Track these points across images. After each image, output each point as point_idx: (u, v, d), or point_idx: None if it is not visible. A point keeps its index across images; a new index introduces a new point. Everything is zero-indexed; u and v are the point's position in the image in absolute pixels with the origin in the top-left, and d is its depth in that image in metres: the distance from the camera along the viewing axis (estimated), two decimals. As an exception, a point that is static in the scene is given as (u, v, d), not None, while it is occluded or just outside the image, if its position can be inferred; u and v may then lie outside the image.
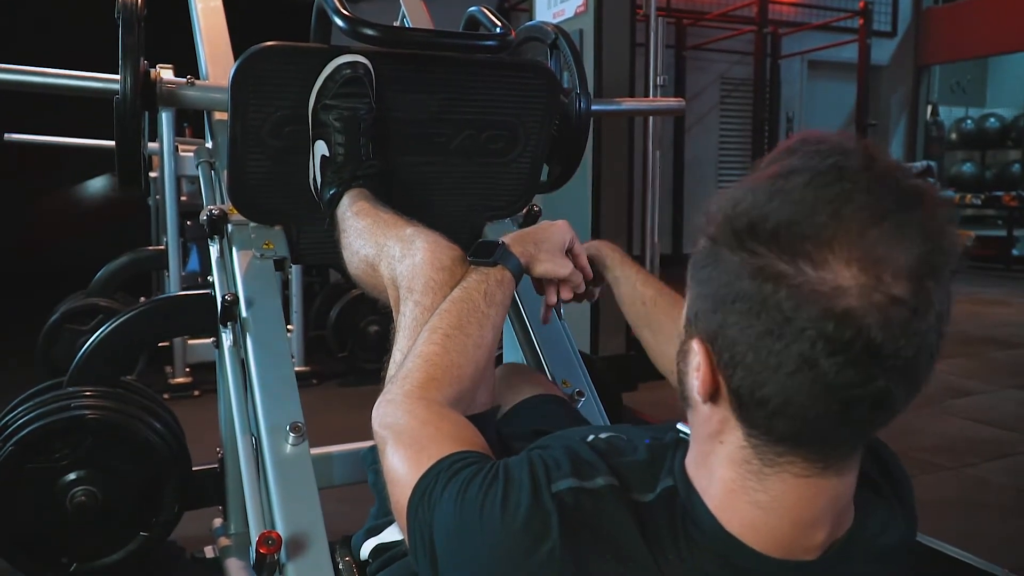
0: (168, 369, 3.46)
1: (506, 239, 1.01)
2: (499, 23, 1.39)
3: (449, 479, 0.71)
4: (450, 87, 1.42)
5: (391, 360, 1.00)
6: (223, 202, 1.46)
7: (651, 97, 2.55)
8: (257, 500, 1.17)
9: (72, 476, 1.65)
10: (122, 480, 1.68)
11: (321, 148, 1.32)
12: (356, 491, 1.70)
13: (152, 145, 3.20)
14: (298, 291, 3.52)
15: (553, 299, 1.07)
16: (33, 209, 6.86)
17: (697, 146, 7.86)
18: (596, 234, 3.06)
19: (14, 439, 1.60)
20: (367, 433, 0.88)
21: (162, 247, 3.27)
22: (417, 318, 0.97)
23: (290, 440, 1.18)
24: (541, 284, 1.08)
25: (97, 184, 7.31)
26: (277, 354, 1.28)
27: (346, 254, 1.19)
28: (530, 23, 1.83)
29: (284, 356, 1.29)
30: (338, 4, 1.27)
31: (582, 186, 3.04)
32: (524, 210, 1.65)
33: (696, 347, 0.62)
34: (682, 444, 0.70)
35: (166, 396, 3.37)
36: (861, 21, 6.74)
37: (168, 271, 3.13)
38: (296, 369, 3.59)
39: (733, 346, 0.58)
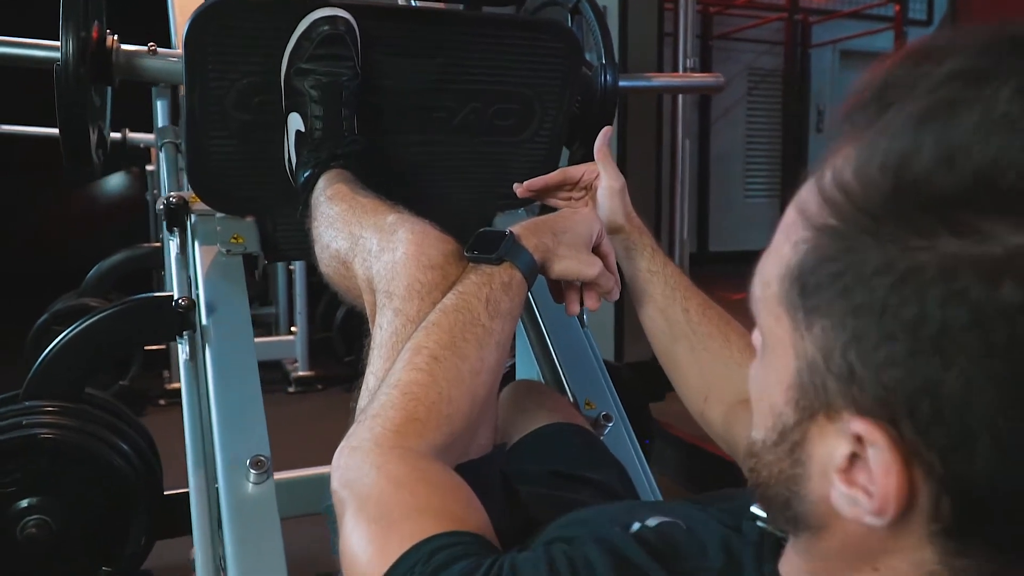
0: (165, 374, 3.27)
1: (516, 229, 0.77)
2: (507, -28, 1.16)
3: None
4: (451, 50, 1.19)
5: (363, 387, 0.77)
6: (187, 189, 1.24)
7: (684, 73, 2.31)
8: (209, 551, 0.96)
9: (23, 504, 1.44)
10: (81, 508, 1.47)
11: (296, 122, 1.10)
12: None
13: (148, 136, 3.02)
14: (303, 291, 3.31)
15: (576, 308, 0.83)
16: (42, 206, 6.71)
17: (723, 140, 7.58)
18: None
19: (-43, 462, 1.40)
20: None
21: (159, 244, 3.08)
22: (397, 332, 0.74)
23: (251, 477, 0.96)
24: (559, 288, 0.84)
25: (113, 181, 7.15)
26: (241, 371, 1.06)
27: (316, 248, 0.96)
28: (549, -14, 1.59)
29: (250, 373, 1.06)
30: (313, -54, 1.05)
31: None
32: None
33: (865, 432, 0.37)
34: (768, 539, 0.47)
35: (162, 402, 3.18)
36: (897, 8, 6.44)
37: (165, 269, 2.94)
38: (301, 374, 3.41)
39: (958, 415, 0.34)
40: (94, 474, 1.46)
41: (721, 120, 7.57)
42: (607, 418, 1.17)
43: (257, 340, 2.24)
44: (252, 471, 0.96)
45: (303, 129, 1.09)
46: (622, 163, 2.74)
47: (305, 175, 1.07)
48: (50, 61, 1.17)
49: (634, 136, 2.78)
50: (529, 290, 0.76)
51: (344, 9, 1.08)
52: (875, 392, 0.36)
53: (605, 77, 1.47)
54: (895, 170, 0.35)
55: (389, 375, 0.66)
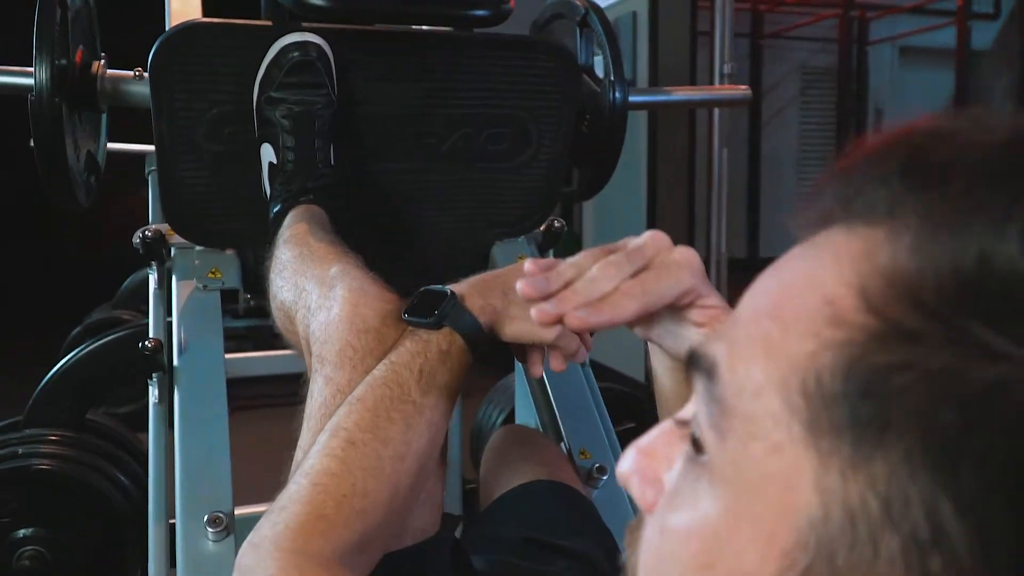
0: None
1: (462, 287, 0.69)
2: (497, -10, 1.08)
3: None
4: (437, 74, 1.12)
5: (293, 460, 0.70)
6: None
7: (710, 86, 2.20)
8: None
9: (18, 534, 1.41)
10: (76, 540, 1.44)
11: (268, 153, 1.04)
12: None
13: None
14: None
15: (538, 371, 0.74)
16: (82, 216, 6.83)
17: (775, 142, 7.36)
18: (652, 207, 2.70)
19: (-50, 493, 1.38)
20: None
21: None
22: (326, 403, 0.67)
23: (209, 535, 0.91)
24: (521, 349, 0.76)
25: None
26: (209, 419, 1.01)
27: (269, 295, 0.89)
28: (558, -2, 1.51)
29: (218, 422, 1.01)
30: (280, -33, 0.99)
31: (635, 185, 2.70)
32: (543, 226, 1.35)
33: None
34: None
35: None
36: (960, 2, 6.16)
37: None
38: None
39: None
40: (90, 506, 1.43)
41: (774, 121, 7.35)
42: (601, 471, 1.08)
43: (273, 353, 2.21)
44: (210, 528, 0.91)
45: (275, 161, 1.03)
46: (652, 172, 2.64)
47: (274, 210, 1.01)
48: (27, 88, 1.13)
49: (666, 144, 2.68)
50: (475, 355, 0.68)
51: (317, 33, 1.02)
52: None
53: (613, 95, 1.38)
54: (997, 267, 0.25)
55: (305, 459, 0.59)
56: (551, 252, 1.37)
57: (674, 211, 2.71)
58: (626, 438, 1.79)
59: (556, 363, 0.72)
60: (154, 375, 1.06)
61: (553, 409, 1.18)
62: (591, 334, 0.77)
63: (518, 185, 1.26)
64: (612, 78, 1.38)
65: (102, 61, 1.24)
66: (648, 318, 0.59)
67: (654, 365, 0.68)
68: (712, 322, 0.58)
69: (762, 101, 7.18)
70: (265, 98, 1.02)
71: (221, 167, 1.09)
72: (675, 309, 0.59)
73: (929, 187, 0.28)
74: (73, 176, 1.17)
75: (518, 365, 1.26)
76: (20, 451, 1.43)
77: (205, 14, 1.42)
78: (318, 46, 1.01)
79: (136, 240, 1.14)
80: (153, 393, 1.06)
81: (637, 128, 2.71)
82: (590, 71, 1.42)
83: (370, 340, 0.67)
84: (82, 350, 1.57)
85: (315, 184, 1.00)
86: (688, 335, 0.59)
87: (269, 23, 1.04)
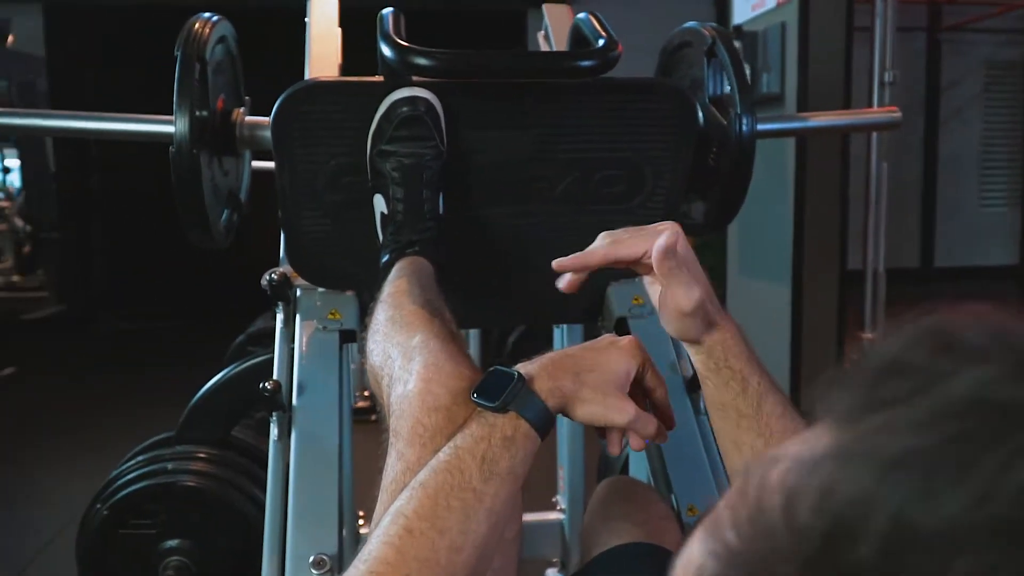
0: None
1: (532, 368, 0.68)
2: (603, 33, 1.06)
3: None
4: (547, 120, 1.11)
5: (369, 531, 0.72)
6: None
7: (852, 110, 2.04)
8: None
9: (166, 545, 1.54)
10: (218, 553, 1.55)
11: (380, 203, 1.07)
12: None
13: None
14: (475, 333, 3.34)
15: (616, 449, 0.73)
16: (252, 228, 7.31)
17: (954, 142, 6.81)
18: (799, 248, 2.56)
19: (109, 502, 1.52)
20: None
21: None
22: (396, 479, 0.68)
23: (313, 572, 0.95)
24: (600, 427, 0.74)
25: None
26: (321, 461, 1.05)
27: (365, 354, 0.91)
28: (685, 25, 1.46)
29: (329, 464, 1.05)
30: (391, 27, 1.01)
31: (781, 195, 2.57)
32: (661, 266, 1.31)
33: None
34: None
35: (373, 417, 3.32)
36: None
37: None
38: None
39: None
40: (231, 522, 1.53)
41: (953, 120, 6.81)
42: (708, 530, 1.03)
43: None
44: (314, 570, 0.94)
45: (386, 211, 1.06)
46: (800, 183, 2.51)
47: (383, 260, 1.04)
48: (169, 136, 1.21)
49: (815, 155, 2.53)
50: (544, 438, 0.67)
51: (427, 86, 1.03)
52: None
53: (740, 126, 1.32)
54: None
55: (367, 541, 0.60)
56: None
57: (825, 222, 2.55)
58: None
59: (635, 443, 0.70)
60: (274, 414, 1.11)
61: (663, 458, 1.14)
62: (669, 409, 0.74)
63: (635, 224, 1.22)
64: (739, 110, 1.32)
65: (242, 108, 1.32)
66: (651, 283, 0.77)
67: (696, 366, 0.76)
68: (655, 282, 0.76)
69: (940, 100, 6.68)
70: (377, 151, 1.05)
71: (340, 215, 1.14)
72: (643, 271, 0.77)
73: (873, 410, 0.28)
74: (212, 219, 1.25)
75: None
76: (169, 467, 1.56)
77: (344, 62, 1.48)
78: (426, 100, 1.02)
79: (264, 282, 1.20)
80: (273, 431, 1.12)
81: (785, 140, 2.58)
82: (718, 101, 1.36)
83: (440, 419, 0.68)
84: (230, 371, 1.69)
85: (420, 236, 1.02)
86: (661, 300, 0.74)
87: (381, 79, 1.07)
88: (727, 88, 1.36)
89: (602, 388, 0.67)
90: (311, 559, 0.95)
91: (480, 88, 1.06)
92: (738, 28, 2.67)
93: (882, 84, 2.68)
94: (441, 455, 0.63)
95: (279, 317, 1.23)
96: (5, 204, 6.95)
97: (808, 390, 2.57)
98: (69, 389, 4.19)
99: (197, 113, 1.16)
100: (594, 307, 1.30)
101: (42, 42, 5.52)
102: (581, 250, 1.23)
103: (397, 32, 1.02)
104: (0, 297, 6.68)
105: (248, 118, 1.31)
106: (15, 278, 6.93)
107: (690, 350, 0.76)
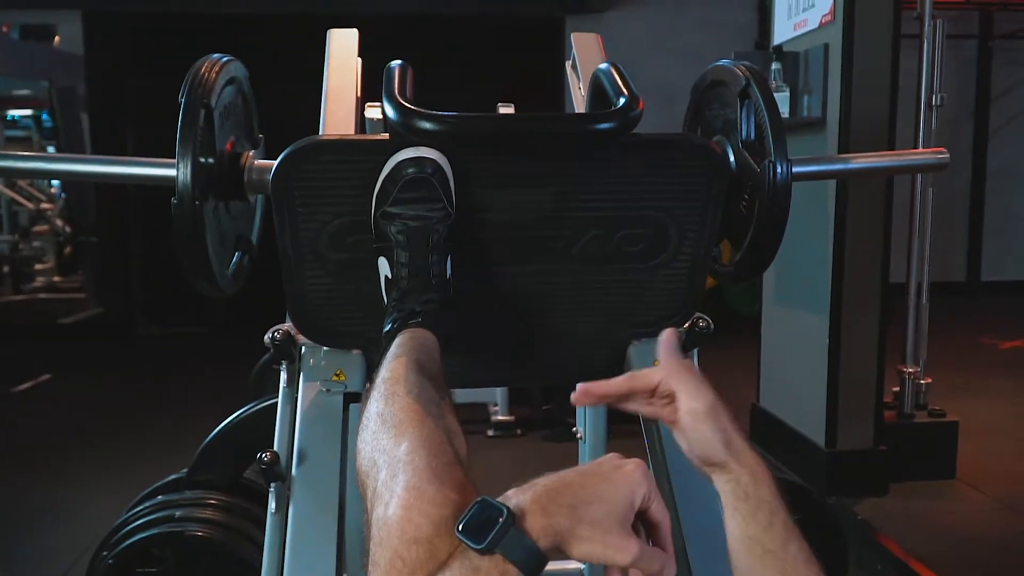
0: (492, 407, 3.44)
1: (523, 500, 0.61)
2: (624, 90, 0.99)
3: None
4: (564, 178, 1.05)
5: None
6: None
7: (896, 151, 1.93)
8: None
9: (173, 595, 1.50)
10: (226, 603, 1.50)
11: (384, 267, 1.02)
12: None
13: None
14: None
15: None
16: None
17: (1006, 153, 6.59)
18: (839, 267, 2.43)
19: (117, 549, 1.49)
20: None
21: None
22: None
23: (307, 669, 0.89)
24: None
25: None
26: (318, 540, 0.99)
27: (355, 448, 0.85)
28: (718, 63, 1.38)
29: (326, 544, 0.99)
30: (396, 85, 0.95)
31: (821, 214, 2.46)
32: (686, 324, 1.23)
33: None
34: None
35: (489, 433, 3.34)
36: None
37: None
38: (500, 418, 3.40)
39: None
40: (238, 571, 1.49)
41: (1004, 129, 6.59)
42: (730, 625, 0.96)
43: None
44: (305, 664, 0.89)
45: (390, 276, 1.00)
46: (842, 198, 2.38)
47: (386, 329, 0.98)
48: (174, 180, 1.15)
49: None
50: None
51: (434, 146, 0.97)
52: None
53: (774, 172, 1.24)
54: None
55: None
56: (695, 352, 1.25)
57: (866, 236, 2.41)
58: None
59: None
60: (272, 484, 1.06)
61: (681, 533, 1.07)
62: (671, 546, 0.67)
63: (657, 285, 1.15)
64: (773, 157, 1.24)
65: (252, 152, 1.27)
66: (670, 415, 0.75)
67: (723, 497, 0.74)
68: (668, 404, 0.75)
69: (990, 109, 6.45)
70: (381, 213, 0.99)
71: (344, 273, 1.08)
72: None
73: None
74: (218, 268, 1.20)
75: (650, 460, 1.16)
76: (177, 514, 1.52)
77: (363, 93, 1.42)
78: (433, 161, 0.96)
79: (267, 340, 1.15)
80: (272, 504, 1.06)
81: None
82: (751, 145, 1.28)
83: (420, 553, 0.61)
84: (241, 414, 1.64)
85: (425, 308, 0.96)
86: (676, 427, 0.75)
87: (386, 137, 1.01)
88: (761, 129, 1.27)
89: (602, 524, 0.60)
90: (302, 654, 0.90)
91: (490, 145, 1.00)
92: (779, 48, 2.57)
93: (929, 107, 2.56)
94: None
95: (282, 377, 1.18)
96: (48, 206, 7.06)
97: (845, 425, 2.47)
98: (103, 398, 4.21)
99: (202, 160, 1.10)
100: (615, 366, 1.23)
101: (81, 45, 5.59)
102: (601, 307, 1.17)
103: (403, 90, 0.96)
104: (40, 298, 6.80)
105: (258, 162, 1.25)
106: (56, 279, 7.05)
107: (717, 479, 0.73)
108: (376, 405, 0.81)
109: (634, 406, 0.80)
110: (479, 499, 0.61)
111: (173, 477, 1.66)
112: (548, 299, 1.15)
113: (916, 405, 2.62)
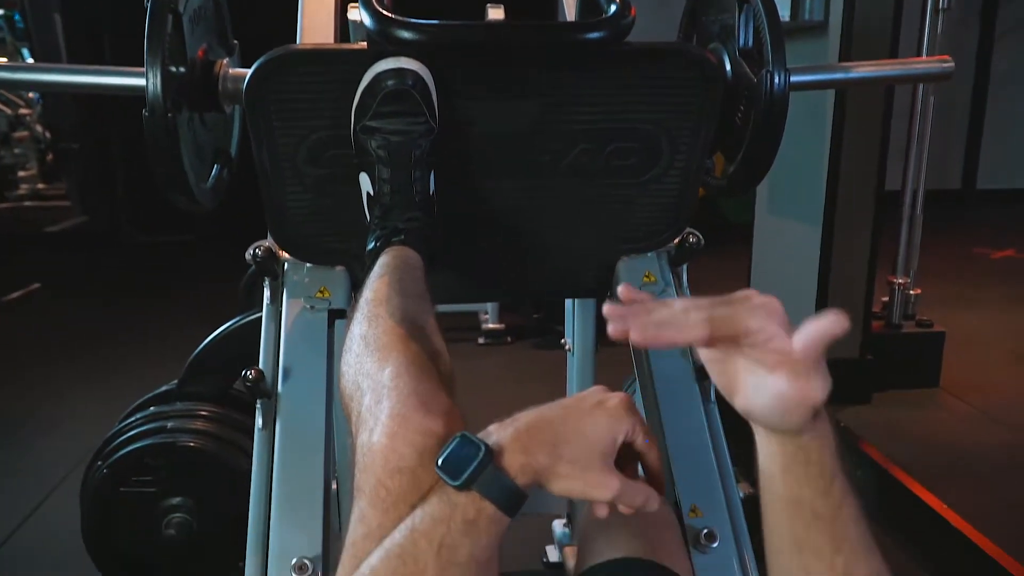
0: (483, 316, 3.43)
1: (503, 438, 0.60)
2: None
3: None
4: (553, 90, 1.01)
5: None
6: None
7: (897, 59, 1.86)
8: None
9: (167, 503, 1.53)
10: (219, 510, 1.53)
11: (365, 183, 0.99)
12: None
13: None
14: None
15: (603, 512, 0.65)
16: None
17: (1011, 58, 6.41)
18: (835, 172, 2.38)
19: (109, 460, 1.51)
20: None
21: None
22: (355, 543, 0.61)
23: (295, 576, 0.91)
24: None
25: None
26: (306, 456, 1.00)
27: (340, 370, 0.84)
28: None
29: (314, 459, 1.00)
30: (375, -9, 0.90)
31: (819, 116, 2.40)
32: (675, 240, 1.21)
33: None
34: None
35: (479, 341, 3.35)
36: None
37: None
38: (491, 326, 3.42)
39: None
40: (231, 481, 1.51)
41: (1012, 35, 6.39)
42: (710, 537, 0.98)
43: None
44: (294, 574, 0.91)
45: (372, 192, 0.98)
46: (840, 103, 2.32)
47: (369, 247, 0.96)
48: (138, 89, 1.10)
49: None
50: (514, 516, 0.60)
51: (415, 57, 0.93)
52: None
53: (772, 82, 1.19)
54: None
55: None
56: (684, 268, 1.24)
57: (863, 144, 2.35)
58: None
59: (623, 508, 0.63)
60: (259, 401, 1.06)
61: (668, 452, 1.08)
62: (662, 475, 0.67)
63: (647, 200, 1.13)
64: (771, 67, 1.19)
65: (227, 60, 1.22)
66: (722, 357, 0.60)
67: (760, 458, 0.63)
68: (778, 367, 0.58)
69: (998, 9, 6.25)
70: (361, 127, 0.95)
71: (324, 189, 1.05)
72: (746, 350, 0.59)
73: None
74: (196, 182, 1.16)
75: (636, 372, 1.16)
76: (169, 425, 1.53)
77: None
78: (415, 73, 0.92)
79: (248, 256, 1.13)
80: (258, 419, 1.06)
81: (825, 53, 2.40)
82: (748, 53, 1.24)
83: (404, 482, 0.61)
84: (230, 326, 1.64)
85: (407, 225, 0.94)
86: (764, 385, 0.58)
87: (365, 46, 0.96)
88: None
89: (582, 462, 0.60)
90: (293, 562, 0.91)
91: (475, 54, 0.95)
92: (779, -54, 2.45)
93: (936, 11, 2.48)
94: (396, 537, 0.57)
95: (266, 294, 1.16)
96: (26, 111, 6.89)
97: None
98: (92, 306, 4.21)
99: (172, 69, 1.05)
100: (604, 282, 1.21)
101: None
102: (590, 223, 1.15)
103: None
104: (26, 206, 6.71)
105: (233, 70, 1.20)
106: (40, 186, 6.95)
107: (773, 439, 0.61)
108: (360, 327, 0.80)
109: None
110: (459, 435, 0.60)
111: (164, 388, 1.67)
112: (535, 215, 1.12)
113: (904, 315, 2.63)
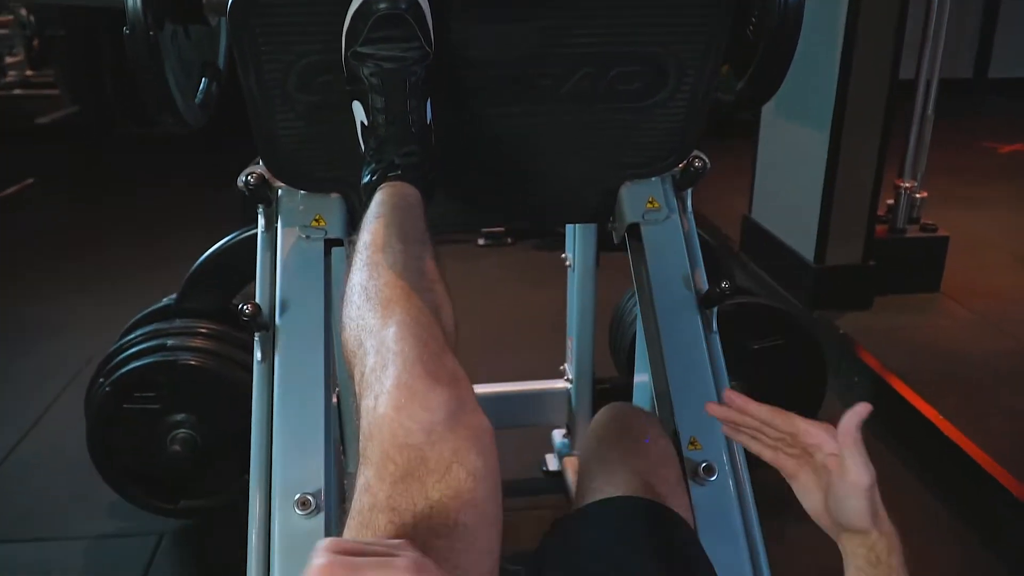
0: None
1: None
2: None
3: None
4: (553, 11, 0.95)
5: None
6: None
7: None
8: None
9: (170, 419, 1.54)
10: (220, 425, 1.55)
11: (359, 112, 0.94)
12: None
13: None
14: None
15: None
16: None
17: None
18: (848, 57, 2.30)
19: (112, 378, 1.51)
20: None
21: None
22: (362, 512, 0.61)
23: (299, 515, 0.92)
24: None
25: None
26: (306, 389, 0.99)
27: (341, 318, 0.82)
28: None
29: (314, 392, 0.99)
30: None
31: (832, 9, 2.29)
32: (681, 164, 1.17)
33: None
34: None
35: (480, 242, 3.34)
36: None
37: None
38: (490, 229, 3.38)
39: None
40: (231, 397, 1.52)
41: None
42: (709, 470, 0.99)
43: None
44: (298, 510, 0.92)
45: (366, 122, 0.93)
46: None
47: (364, 180, 0.93)
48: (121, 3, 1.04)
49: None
50: None
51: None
52: None
53: (786, -4, 1.13)
54: None
55: None
56: (689, 192, 1.20)
57: (878, 36, 2.24)
58: (771, 356, 1.66)
59: None
60: (256, 334, 1.05)
61: (667, 382, 1.07)
62: None
63: (652, 125, 1.09)
64: (785, -24, 1.13)
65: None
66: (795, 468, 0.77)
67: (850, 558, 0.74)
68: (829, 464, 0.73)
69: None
70: (352, 53, 0.90)
71: (317, 115, 1.01)
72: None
73: None
74: (183, 99, 1.12)
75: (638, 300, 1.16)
76: (169, 343, 1.53)
77: None
78: (407, -5, 0.86)
79: (240, 183, 1.10)
80: (257, 353, 1.05)
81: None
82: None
83: (411, 459, 0.60)
84: (228, 241, 1.61)
85: (404, 160, 0.90)
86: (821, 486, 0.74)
87: (354, -36, 0.90)
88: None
89: None
90: (296, 498, 0.93)
91: None
92: None
93: None
94: None
95: (260, 221, 1.13)
96: (7, -7, 6.62)
97: (835, 241, 2.45)
98: (89, 203, 4.16)
99: None
100: (606, 207, 1.19)
101: None
102: (592, 148, 1.11)
103: None
104: (15, 95, 6.55)
105: (216, -22, 1.14)
106: (28, 73, 6.75)
107: (850, 541, 0.73)
108: (359, 275, 0.78)
109: (756, 444, 0.80)
110: None
111: (163, 303, 1.67)
112: (536, 140, 1.08)
113: (909, 219, 2.59)
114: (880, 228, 2.55)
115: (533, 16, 0.94)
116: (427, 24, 0.89)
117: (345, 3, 0.90)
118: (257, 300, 1.05)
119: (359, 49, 0.89)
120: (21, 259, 3.36)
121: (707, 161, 1.18)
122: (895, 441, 1.93)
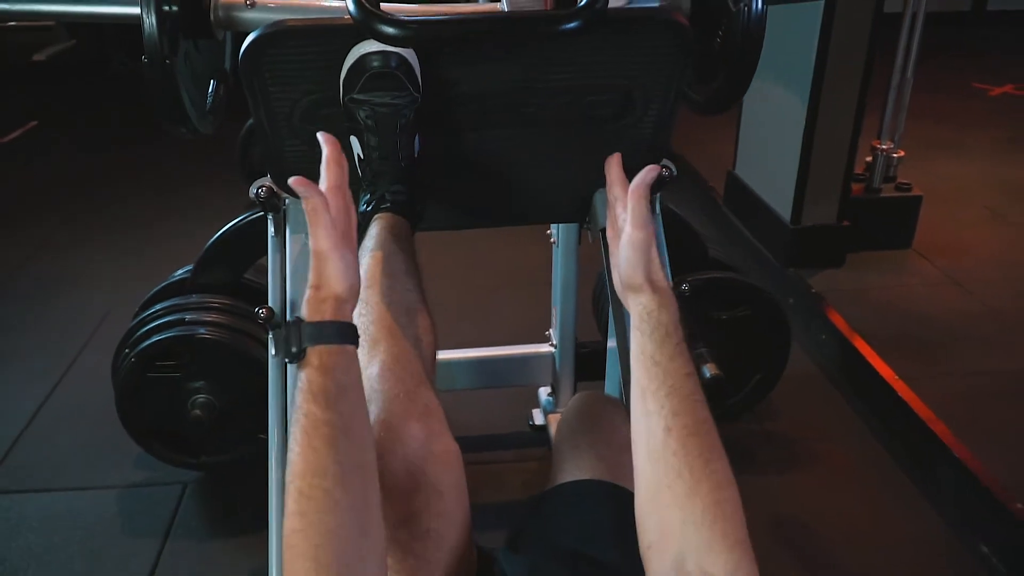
0: None
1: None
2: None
3: None
4: (533, 57, 1.06)
5: None
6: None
7: None
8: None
9: (190, 386, 1.70)
10: (238, 392, 1.71)
11: (356, 146, 1.07)
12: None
13: None
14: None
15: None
16: None
17: None
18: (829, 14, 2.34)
19: (136, 349, 1.66)
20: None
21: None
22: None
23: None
24: None
25: None
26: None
27: None
28: None
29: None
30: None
31: None
32: (650, 174, 1.29)
33: None
34: None
35: None
36: None
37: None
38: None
39: None
40: (245, 365, 1.68)
41: None
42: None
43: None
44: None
45: (362, 156, 1.06)
46: None
47: (361, 209, 1.06)
48: (132, 18, 1.14)
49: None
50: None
51: (399, 35, 0.97)
52: None
53: (752, 7, 1.23)
54: None
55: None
56: (658, 197, 1.33)
57: None
58: (740, 326, 1.81)
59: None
60: (271, 331, 1.19)
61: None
62: None
63: (623, 141, 1.20)
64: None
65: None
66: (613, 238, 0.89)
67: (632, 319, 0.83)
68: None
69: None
70: (349, 98, 1.02)
71: (319, 143, 1.12)
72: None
73: None
74: (196, 111, 1.23)
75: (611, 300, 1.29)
76: (187, 318, 1.67)
77: None
78: (398, 55, 0.97)
79: (252, 194, 1.22)
80: (271, 347, 1.20)
81: None
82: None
83: (393, 481, 0.75)
84: (240, 220, 1.74)
85: (393, 197, 1.03)
86: (621, 255, 0.86)
87: (347, 22, 1.00)
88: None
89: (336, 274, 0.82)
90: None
91: (454, 35, 0.99)
92: None
93: None
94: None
95: (270, 228, 1.26)
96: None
97: (812, 202, 2.56)
98: (94, 147, 4.21)
99: (166, 9, 1.09)
100: (582, 211, 1.32)
101: None
102: (569, 162, 1.24)
103: None
104: (10, 27, 6.50)
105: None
106: (21, 3, 6.69)
107: (631, 302, 0.83)
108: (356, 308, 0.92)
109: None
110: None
111: (179, 275, 1.81)
112: (518, 157, 1.20)
113: (885, 178, 2.70)
114: (857, 187, 2.66)
115: (512, 65, 1.05)
116: (415, 75, 1.00)
117: (342, 50, 1.01)
118: (269, 302, 1.19)
119: (356, 96, 1.01)
120: (32, 205, 3.44)
121: (673, 169, 1.30)
122: (857, 398, 2.10)
